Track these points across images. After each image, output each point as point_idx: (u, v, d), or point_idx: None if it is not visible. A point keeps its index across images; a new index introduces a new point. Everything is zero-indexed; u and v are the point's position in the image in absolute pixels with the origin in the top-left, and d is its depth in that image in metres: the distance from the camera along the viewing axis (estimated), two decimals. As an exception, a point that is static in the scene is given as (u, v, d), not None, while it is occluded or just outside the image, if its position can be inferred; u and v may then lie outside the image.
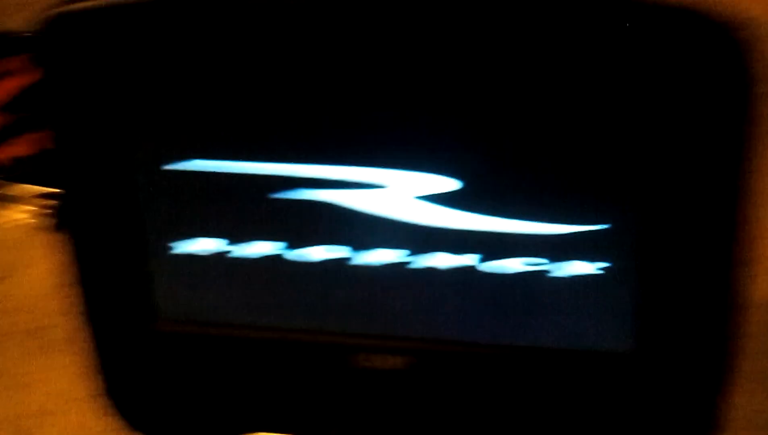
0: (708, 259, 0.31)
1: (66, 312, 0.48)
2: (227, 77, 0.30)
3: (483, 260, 0.32)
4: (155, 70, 0.30)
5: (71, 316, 0.47)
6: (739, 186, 0.29)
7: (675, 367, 0.33)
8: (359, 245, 0.32)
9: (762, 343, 0.43)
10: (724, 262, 0.31)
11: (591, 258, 0.31)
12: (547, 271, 0.32)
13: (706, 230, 0.31)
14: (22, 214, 0.54)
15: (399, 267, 0.32)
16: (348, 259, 0.33)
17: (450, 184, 0.31)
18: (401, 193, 0.31)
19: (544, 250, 0.31)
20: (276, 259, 0.33)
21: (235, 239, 0.33)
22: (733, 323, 0.32)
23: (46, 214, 0.54)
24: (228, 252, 0.33)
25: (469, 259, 0.32)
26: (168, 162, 0.32)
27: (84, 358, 0.45)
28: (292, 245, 0.33)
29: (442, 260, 0.32)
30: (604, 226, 0.31)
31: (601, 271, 0.32)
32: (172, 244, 0.33)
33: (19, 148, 0.57)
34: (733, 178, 0.29)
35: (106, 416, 0.41)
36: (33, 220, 0.54)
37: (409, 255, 0.32)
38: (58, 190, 0.53)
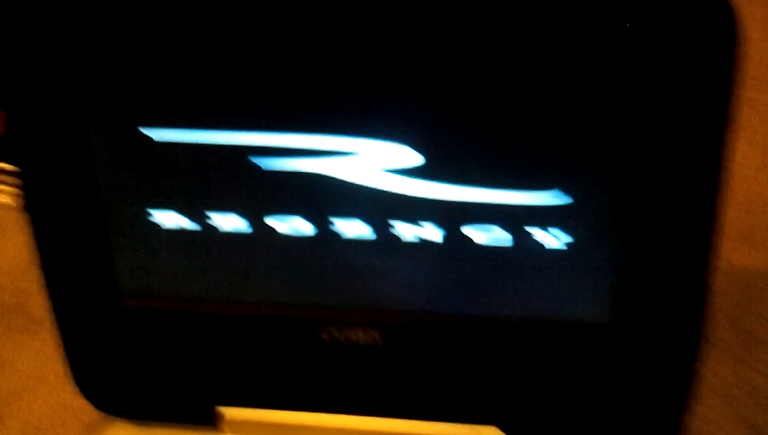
0: (686, 228, 0.31)
1: (36, 292, 0.48)
2: (187, 41, 0.29)
3: (455, 231, 0.32)
4: (116, 31, 0.30)
5: (38, 296, 0.47)
6: (720, 155, 0.29)
7: (650, 337, 0.33)
8: (327, 217, 0.32)
9: (727, 312, 0.44)
10: (701, 232, 0.31)
11: (565, 228, 0.31)
12: (520, 242, 0.32)
13: (683, 199, 0.30)
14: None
15: (367, 239, 0.32)
16: (316, 231, 0.32)
17: (416, 156, 0.30)
18: (368, 164, 0.31)
19: (516, 220, 0.31)
20: (242, 231, 0.32)
21: (198, 211, 0.32)
22: (707, 294, 0.32)
23: (15, 193, 0.54)
24: (192, 225, 0.33)
25: (441, 231, 0.32)
26: (128, 130, 0.31)
27: (52, 339, 0.45)
28: (259, 217, 0.32)
29: (413, 231, 0.32)
30: (576, 198, 0.31)
31: (575, 242, 0.31)
32: (134, 218, 0.33)
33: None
34: (715, 146, 0.29)
35: (74, 396, 0.41)
36: (3, 199, 0.53)
37: (377, 226, 0.32)
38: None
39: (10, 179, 0.53)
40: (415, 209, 0.31)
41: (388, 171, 0.31)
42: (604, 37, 0.28)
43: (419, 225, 0.32)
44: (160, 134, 0.31)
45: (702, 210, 0.30)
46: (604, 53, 0.28)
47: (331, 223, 0.32)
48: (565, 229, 0.31)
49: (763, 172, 0.51)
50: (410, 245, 0.32)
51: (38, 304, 0.47)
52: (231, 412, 0.36)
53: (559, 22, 0.28)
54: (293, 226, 0.32)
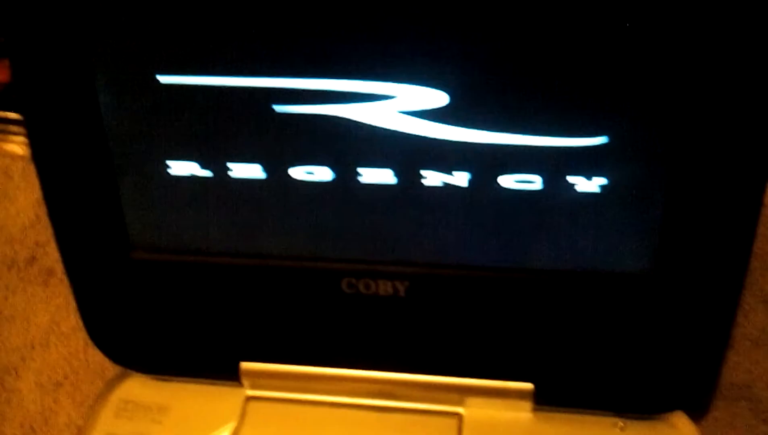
0: (736, 169, 0.29)
1: (48, 243, 0.46)
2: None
3: (484, 176, 0.30)
4: None
5: (51, 248, 0.46)
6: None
7: (692, 288, 0.31)
8: (349, 163, 0.30)
9: (765, 262, 0.42)
10: (754, 173, 0.29)
11: (602, 170, 0.29)
12: (553, 187, 0.30)
13: (730, 146, 0.28)
14: (5, 142, 0.52)
15: (392, 186, 0.30)
16: (338, 179, 0.30)
17: (443, 98, 0.28)
18: (394, 107, 0.29)
19: (549, 163, 0.29)
20: (261, 179, 0.31)
21: (215, 159, 0.31)
22: (752, 242, 0.30)
23: (25, 143, 0.52)
24: (207, 173, 0.31)
25: (469, 175, 0.30)
26: (137, 74, 0.29)
27: (66, 290, 0.43)
28: (280, 165, 0.30)
29: (439, 177, 0.30)
30: (613, 137, 0.29)
31: (612, 185, 0.29)
32: (146, 167, 0.31)
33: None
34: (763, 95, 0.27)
35: (90, 349, 0.40)
36: (15, 150, 0.52)
37: (403, 173, 0.30)
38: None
39: (18, 129, 0.52)
40: (443, 153, 0.29)
41: (414, 114, 0.29)
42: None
43: (445, 170, 0.30)
44: (172, 78, 0.29)
45: (756, 150, 0.28)
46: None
47: (354, 169, 0.30)
48: (603, 173, 0.29)
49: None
50: (437, 192, 0.30)
51: (51, 256, 0.45)
52: (253, 367, 0.34)
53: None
54: (314, 173, 0.30)
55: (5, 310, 0.43)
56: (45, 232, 0.47)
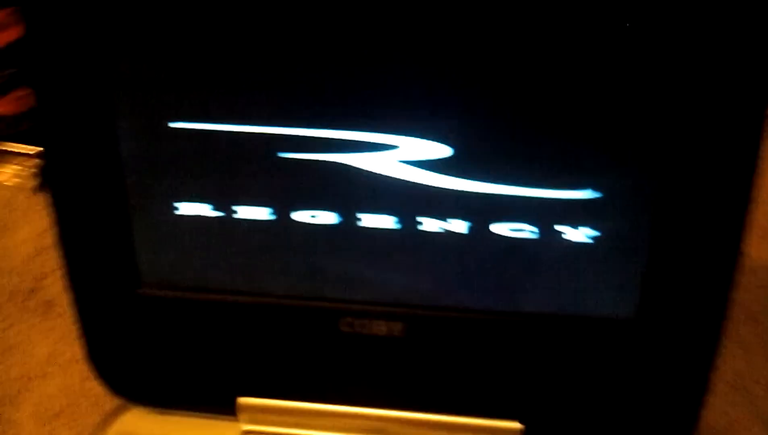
0: (716, 224, 0.31)
1: (48, 275, 0.48)
2: (217, 30, 0.29)
3: (481, 224, 0.31)
4: (143, 24, 0.29)
5: (54, 279, 0.47)
6: (755, 151, 0.29)
7: (674, 334, 0.33)
8: (353, 209, 0.31)
9: (745, 307, 0.44)
10: (732, 228, 0.31)
11: (593, 223, 0.31)
12: (547, 236, 0.31)
13: (715, 195, 0.30)
14: (8, 174, 0.53)
15: (392, 230, 0.32)
16: (341, 222, 0.32)
17: (445, 150, 0.30)
18: (397, 157, 0.30)
19: (543, 214, 0.31)
20: (266, 221, 0.32)
21: (223, 201, 0.32)
22: (731, 291, 0.32)
23: (33, 174, 0.53)
24: (215, 214, 0.32)
25: (466, 223, 0.31)
26: (154, 120, 0.31)
27: (67, 321, 0.44)
28: (285, 208, 0.32)
29: (438, 224, 0.31)
30: (605, 192, 0.30)
31: (602, 237, 0.31)
32: (158, 207, 0.32)
33: (5, 107, 0.56)
34: (749, 142, 0.29)
35: (89, 380, 0.41)
36: (19, 180, 0.53)
37: (403, 219, 0.32)
38: (39, 150, 0.52)
39: (24, 161, 0.53)
40: (441, 202, 0.31)
41: (414, 164, 0.30)
42: (634, 29, 0.28)
43: (444, 218, 0.31)
44: (184, 124, 0.31)
45: (734, 206, 0.30)
46: (635, 46, 0.28)
47: (356, 214, 0.32)
48: (593, 224, 0.31)
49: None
50: (435, 238, 0.32)
51: (51, 288, 0.46)
52: (250, 402, 0.36)
53: (587, 19, 0.28)
54: (317, 217, 0.32)
55: (5, 340, 0.44)
56: (46, 265, 0.48)
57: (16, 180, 0.53)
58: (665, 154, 0.29)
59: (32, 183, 0.53)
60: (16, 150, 0.54)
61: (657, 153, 0.29)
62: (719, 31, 0.27)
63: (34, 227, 0.50)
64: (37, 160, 0.53)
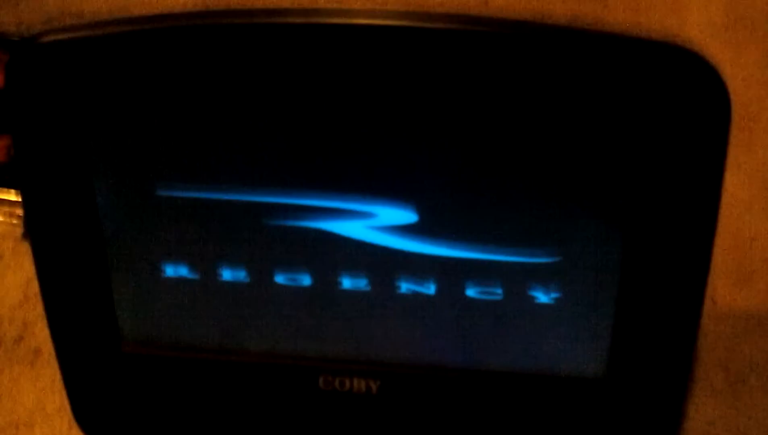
0: (680, 282, 0.32)
1: (36, 323, 0.48)
2: (196, 100, 0.30)
3: (448, 286, 0.33)
4: (131, 95, 0.30)
5: (41, 326, 0.48)
6: (714, 213, 0.31)
7: (641, 390, 0.34)
8: (325, 272, 0.33)
9: (714, 353, 0.45)
10: (696, 284, 0.32)
11: (556, 285, 0.32)
12: (512, 297, 0.33)
13: (677, 256, 0.31)
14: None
15: (365, 294, 0.33)
16: (316, 284, 0.33)
17: (411, 216, 0.32)
18: (366, 224, 0.32)
19: (508, 276, 0.32)
20: (243, 284, 0.33)
21: (202, 263, 0.33)
22: (695, 343, 0.33)
23: (16, 223, 0.54)
24: (194, 275, 0.34)
25: (434, 285, 0.33)
26: (134, 183, 0.32)
27: (54, 369, 0.45)
28: (260, 271, 0.33)
29: (407, 286, 0.33)
30: (565, 256, 0.32)
31: (565, 298, 0.32)
32: (138, 267, 0.34)
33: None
34: (707, 214, 0.30)
35: (75, 430, 0.42)
36: (7, 227, 0.54)
37: (374, 280, 0.33)
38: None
39: (11, 208, 0.54)
40: (411, 265, 0.32)
41: (387, 230, 0.32)
42: (597, 95, 0.29)
43: (414, 280, 0.33)
44: (168, 192, 0.32)
45: (697, 262, 0.32)
46: (596, 113, 0.29)
47: (332, 276, 0.33)
48: (556, 287, 0.32)
49: (750, 212, 0.52)
50: (407, 299, 0.33)
51: (38, 336, 0.47)
52: (230, 456, 0.37)
53: (544, 94, 0.29)
54: (296, 279, 0.33)
55: (-8, 389, 0.44)
56: (33, 312, 0.48)
57: (3, 227, 0.54)
58: (628, 217, 0.31)
59: (20, 230, 0.53)
60: (3, 196, 0.54)
61: (620, 216, 0.31)
62: (670, 98, 0.29)
63: (22, 274, 0.51)
64: (17, 209, 0.54)
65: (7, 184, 0.55)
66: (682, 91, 0.29)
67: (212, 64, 0.29)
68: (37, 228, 0.34)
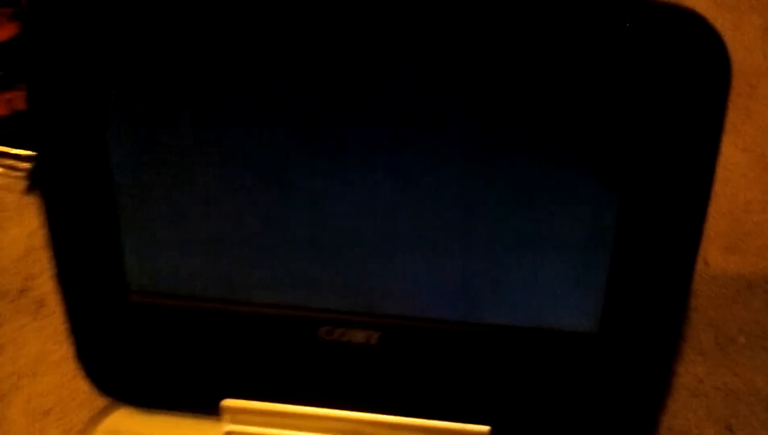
0: (674, 241, 0.33)
1: (38, 275, 0.49)
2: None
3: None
4: (147, 40, 0.31)
5: (44, 279, 0.48)
6: (708, 181, 0.31)
7: (633, 344, 0.35)
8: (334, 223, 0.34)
9: (705, 313, 0.46)
10: (689, 244, 0.33)
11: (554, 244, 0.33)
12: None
13: (672, 215, 0.32)
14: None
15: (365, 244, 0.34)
16: (320, 235, 0.34)
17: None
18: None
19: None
20: (249, 234, 0.34)
21: (206, 211, 0.34)
22: (688, 302, 0.34)
23: (19, 176, 0.54)
24: (200, 225, 0.34)
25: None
26: (147, 130, 0.32)
27: (57, 321, 0.46)
28: (266, 220, 0.34)
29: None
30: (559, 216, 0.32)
31: (565, 256, 0.33)
32: (146, 217, 0.34)
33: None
34: (703, 175, 0.31)
35: (78, 379, 0.43)
36: (9, 181, 0.54)
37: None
38: (29, 153, 0.53)
39: (14, 163, 0.54)
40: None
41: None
42: (599, 55, 0.29)
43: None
44: (173, 134, 0.32)
45: (691, 222, 0.32)
46: (598, 71, 0.30)
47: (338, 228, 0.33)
48: (554, 244, 0.33)
49: (746, 177, 0.53)
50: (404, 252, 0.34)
51: (41, 288, 0.48)
52: (232, 404, 0.37)
53: (554, 49, 0.29)
54: (298, 229, 0.34)
55: (-4, 339, 0.45)
56: (36, 265, 0.49)
57: (6, 181, 0.54)
58: (625, 176, 0.31)
59: (22, 184, 0.54)
60: (5, 151, 0.55)
61: (617, 175, 0.31)
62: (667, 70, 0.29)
63: (24, 228, 0.51)
64: (27, 163, 0.54)
65: (9, 140, 0.55)
66: (683, 52, 0.29)
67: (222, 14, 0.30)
68: (48, 176, 0.34)
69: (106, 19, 0.30)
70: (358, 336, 0.35)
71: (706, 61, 0.29)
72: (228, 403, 0.37)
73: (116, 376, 0.38)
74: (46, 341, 0.45)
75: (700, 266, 0.47)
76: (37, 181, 0.54)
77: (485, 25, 0.29)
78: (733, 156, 0.54)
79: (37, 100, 0.32)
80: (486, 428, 0.36)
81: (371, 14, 0.29)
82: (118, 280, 0.35)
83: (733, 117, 0.54)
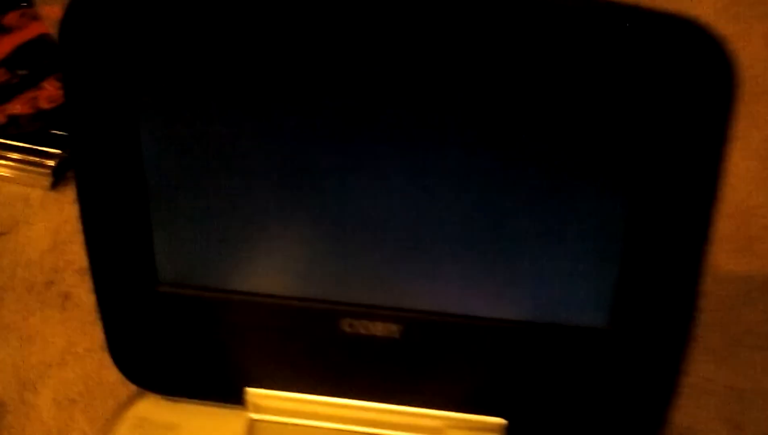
0: (683, 241, 0.34)
1: (65, 269, 0.50)
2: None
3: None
4: (181, 37, 0.32)
5: (70, 272, 0.50)
6: (715, 187, 0.32)
7: (644, 341, 0.36)
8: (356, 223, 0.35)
9: (715, 314, 0.47)
10: (697, 244, 0.34)
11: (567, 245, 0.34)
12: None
13: (681, 215, 0.33)
14: (23, 172, 0.56)
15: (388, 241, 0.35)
16: (343, 233, 0.35)
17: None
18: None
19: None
20: (273, 229, 0.35)
21: (234, 206, 0.35)
22: (697, 301, 0.35)
23: (43, 173, 0.56)
24: (226, 219, 0.35)
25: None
26: (176, 123, 0.34)
27: (83, 313, 0.47)
28: (290, 214, 0.35)
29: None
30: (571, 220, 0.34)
31: (579, 256, 0.35)
32: (176, 210, 0.36)
33: (19, 107, 0.59)
34: (710, 180, 0.32)
35: (104, 370, 0.44)
36: (35, 177, 0.56)
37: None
38: (54, 150, 0.55)
39: (39, 159, 0.55)
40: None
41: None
42: (605, 66, 0.31)
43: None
44: (206, 123, 0.34)
45: (698, 225, 0.34)
46: (604, 82, 0.31)
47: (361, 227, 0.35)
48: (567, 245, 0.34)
49: (753, 183, 0.54)
50: (426, 251, 0.35)
51: (67, 281, 0.49)
52: (257, 393, 0.39)
53: (559, 58, 0.31)
54: (321, 227, 0.35)
55: (25, 329, 0.46)
56: (62, 258, 0.50)
57: (31, 177, 0.56)
58: (633, 182, 0.33)
59: (47, 181, 0.55)
60: (30, 148, 0.56)
61: (625, 181, 0.33)
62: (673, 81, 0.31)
63: (50, 223, 0.53)
64: (51, 160, 0.55)
65: (34, 137, 0.57)
66: (686, 61, 0.30)
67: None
68: (82, 169, 0.35)
69: (141, 17, 0.32)
70: (379, 328, 0.36)
71: (708, 69, 0.30)
72: (253, 392, 0.39)
73: (143, 365, 0.40)
74: (72, 333, 0.46)
75: (709, 268, 0.48)
76: (61, 176, 0.55)
77: (497, 38, 0.30)
78: (741, 162, 0.55)
79: (73, 96, 0.34)
80: (502, 421, 0.38)
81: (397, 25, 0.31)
82: (147, 271, 0.37)
83: (740, 124, 0.56)
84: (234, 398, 0.39)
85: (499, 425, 0.38)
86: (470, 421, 0.38)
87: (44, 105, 0.59)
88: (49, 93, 0.60)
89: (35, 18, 0.67)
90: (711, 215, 0.33)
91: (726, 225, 0.51)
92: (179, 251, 0.36)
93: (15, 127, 0.57)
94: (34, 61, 0.63)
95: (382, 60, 0.31)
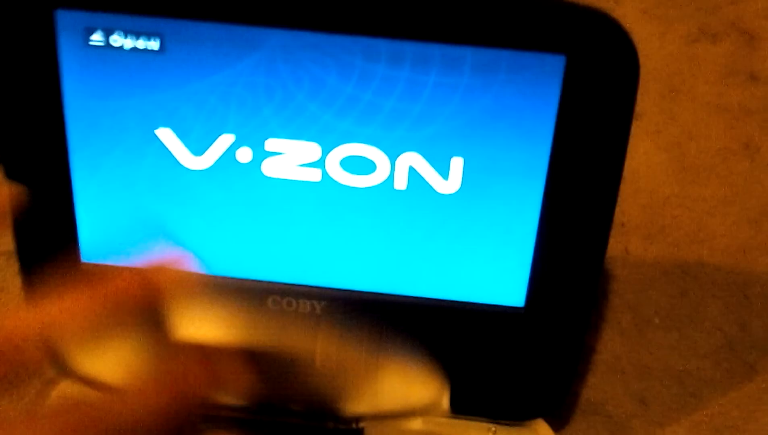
0: (589, 226, 0.36)
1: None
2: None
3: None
4: None
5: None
6: (619, 164, 0.35)
7: (554, 320, 0.38)
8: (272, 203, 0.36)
9: (624, 297, 0.49)
10: (602, 228, 0.36)
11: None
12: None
13: (589, 202, 0.35)
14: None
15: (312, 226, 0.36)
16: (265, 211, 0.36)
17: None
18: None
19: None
20: (196, 211, 0.36)
21: (157, 187, 0.36)
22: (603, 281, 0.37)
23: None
24: (151, 199, 0.36)
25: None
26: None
27: (8, 298, 0.47)
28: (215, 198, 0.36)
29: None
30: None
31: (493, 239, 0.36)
32: (99, 188, 0.36)
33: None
34: (615, 160, 0.35)
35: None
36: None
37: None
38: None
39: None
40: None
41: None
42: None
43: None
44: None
45: (602, 211, 0.36)
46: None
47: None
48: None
49: (666, 175, 0.57)
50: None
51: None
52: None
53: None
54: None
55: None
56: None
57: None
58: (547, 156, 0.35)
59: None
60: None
61: (539, 157, 0.35)
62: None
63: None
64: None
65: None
66: (599, 51, 0.32)
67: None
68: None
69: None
70: (305, 305, 0.38)
71: (618, 58, 0.32)
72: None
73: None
74: None
75: (621, 254, 0.51)
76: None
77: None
78: (655, 155, 0.58)
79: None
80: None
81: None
82: (70, 250, 0.37)
83: (657, 118, 0.58)
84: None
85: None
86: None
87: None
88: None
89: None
90: (614, 197, 0.35)
91: (639, 214, 0.54)
92: (103, 225, 0.37)
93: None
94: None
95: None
